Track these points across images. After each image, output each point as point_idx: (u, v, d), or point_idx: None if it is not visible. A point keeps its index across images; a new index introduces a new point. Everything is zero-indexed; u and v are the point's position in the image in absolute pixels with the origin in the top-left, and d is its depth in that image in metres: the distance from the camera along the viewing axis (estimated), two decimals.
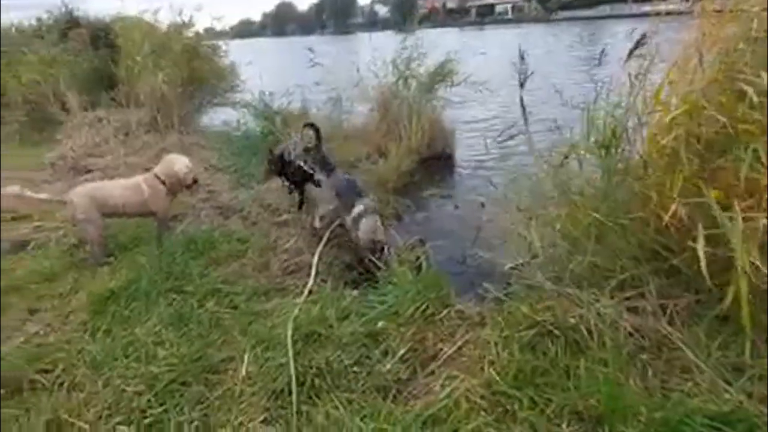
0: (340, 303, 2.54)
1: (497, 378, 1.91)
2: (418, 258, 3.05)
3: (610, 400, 1.73)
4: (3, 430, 1.85)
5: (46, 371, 2.13)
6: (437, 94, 5.71)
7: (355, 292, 2.70)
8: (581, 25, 23.65)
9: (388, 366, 2.08)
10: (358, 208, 3.17)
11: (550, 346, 2.05)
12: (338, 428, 1.73)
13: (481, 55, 5.98)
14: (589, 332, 2.04)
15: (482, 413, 1.80)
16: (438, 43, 5.89)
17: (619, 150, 2.51)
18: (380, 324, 2.31)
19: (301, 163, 3.78)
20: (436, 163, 5.31)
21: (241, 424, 1.83)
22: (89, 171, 5.20)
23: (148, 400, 1.92)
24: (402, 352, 2.14)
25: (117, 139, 6.08)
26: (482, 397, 1.86)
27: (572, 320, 2.14)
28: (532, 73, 3.34)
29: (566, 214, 2.61)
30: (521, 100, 3.03)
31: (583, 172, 2.67)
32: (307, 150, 4.01)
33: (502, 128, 3.51)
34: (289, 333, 2.24)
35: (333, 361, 2.11)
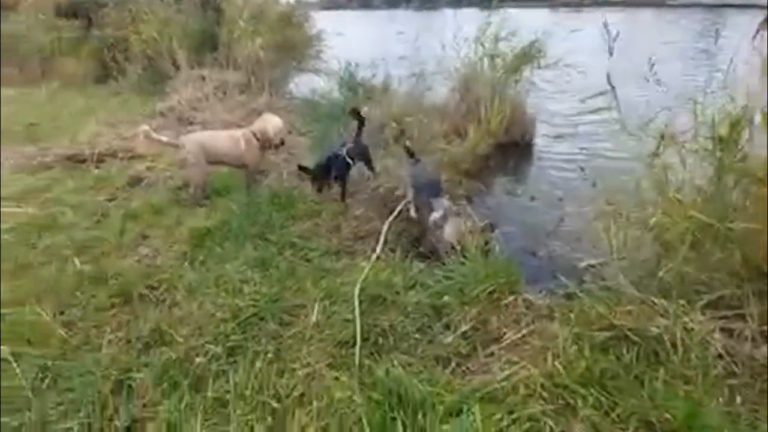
0: (407, 272, 2.59)
1: (562, 371, 1.84)
2: (486, 243, 2.97)
3: (688, 417, 1.60)
4: (119, 330, 2.18)
5: (153, 288, 2.45)
6: (522, 77, 5.38)
7: (422, 266, 2.73)
8: (702, 12, 20.47)
9: (450, 339, 2.10)
10: (440, 211, 3.04)
11: (624, 352, 1.93)
12: (397, 385, 1.78)
13: (574, 35, 5.35)
14: (673, 345, 1.88)
15: (541, 402, 1.76)
16: (525, 24, 5.48)
17: (738, 147, 2.20)
18: (446, 298, 2.32)
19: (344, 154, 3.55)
20: (514, 150, 5.06)
21: (308, 364, 1.97)
22: (191, 123, 5.71)
23: (232, 328, 2.14)
24: (464, 328, 2.14)
25: (215, 97, 6.58)
26: (543, 387, 1.81)
27: (655, 329, 1.98)
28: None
29: (661, 213, 2.37)
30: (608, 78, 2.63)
31: (687, 169, 2.39)
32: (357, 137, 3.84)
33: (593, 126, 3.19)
34: (357, 292, 2.34)
35: (396, 325, 2.18)
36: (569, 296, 2.38)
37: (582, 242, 2.92)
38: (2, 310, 2.19)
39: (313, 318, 2.23)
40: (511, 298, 2.32)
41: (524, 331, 2.13)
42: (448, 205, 3.11)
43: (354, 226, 3.27)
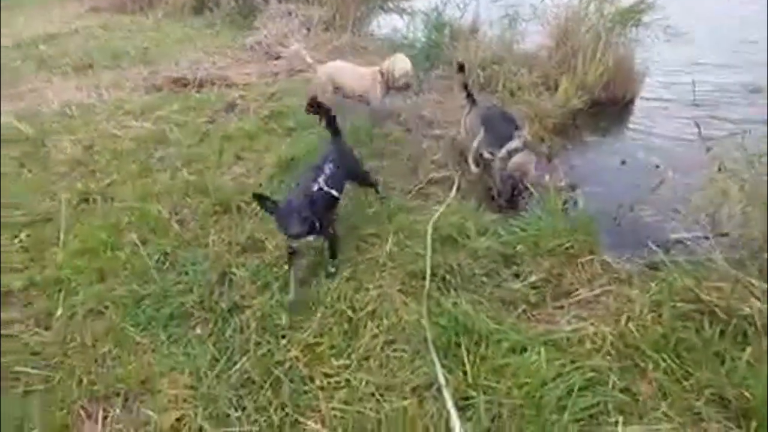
0: (479, 220, 2.59)
1: (635, 333, 1.80)
2: (565, 202, 2.84)
3: None
4: (221, 233, 2.49)
5: (247, 203, 2.72)
6: (635, 27, 4.72)
7: (495, 216, 2.71)
8: None
9: (518, 286, 2.12)
10: (515, 142, 2.95)
11: (707, 327, 1.82)
12: (463, 316, 1.87)
13: None
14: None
15: (607, 357, 1.75)
16: None
17: None
18: (518, 247, 2.31)
19: None
20: (611, 108, 4.57)
21: (381, 286, 2.12)
22: (278, 57, 5.86)
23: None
24: (535, 278, 2.14)
25: (300, 33, 6.63)
26: (612, 345, 1.79)
27: (747, 310, 1.84)
28: None
29: None
30: None
31: None
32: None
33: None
34: (430, 230, 2.41)
35: (464, 266, 2.24)
36: (653, 265, 2.26)
37: (678, 213, 2.68)
38: (132, 203, 2.61)
39: (387, 248, 2.36)
40: (587, 258, 2.26)
41: (598, 291, 2.08)
42: (527, 139, 2.97)
43: (430, 170, 3.28)
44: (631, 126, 4.39)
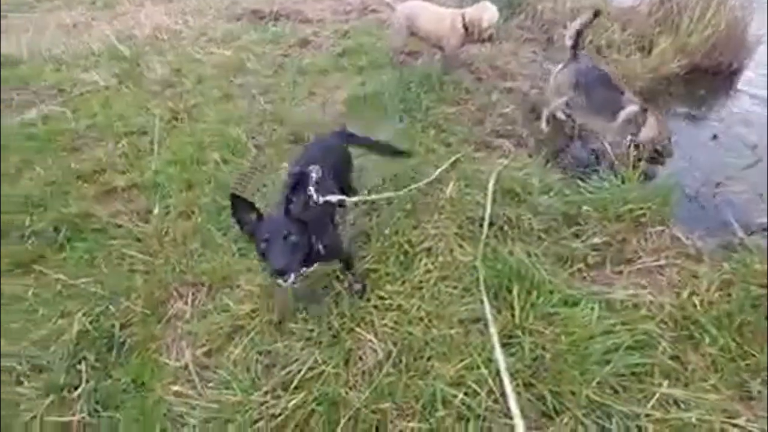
0: (544, 177, 2.50)
1: (698, 306, 1.73)
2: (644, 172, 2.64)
3: None
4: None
5: None
6: None
7: (562, 176, 2.60)
8: None
9: (577, 245, 2.07)
10: (633, 107, 2.69)
11: None
12: (517, 265, 1.89)
13: None
14: None
15: (662, 325, 1.71)
16: None
17: None
18: (584, 208, 2.23)
19: None
20: (712, 77, 4.04)
21: (438, 227, 2.16)
22: None
23: (377, 185, 2.41)
24: (597, 240, 2.08)
25: None
26: (669, 315, 1.74)
27: None
28: None
29: None
30: None
31: None
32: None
33: None
34: (492, 180, 2.37)
35: (524, 220, 2.21)
36: (729, 246, 2.10)
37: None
38: (215, 125, 2.80)
39: (448, 192, 2.37)
40: (657, 228, 2.13)
41: (663, 262, 1.99)
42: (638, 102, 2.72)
43: (498, 123, 3.16)
44: (731, 99, 3.87)
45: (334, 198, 1.71)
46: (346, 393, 1.51)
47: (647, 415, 1.45)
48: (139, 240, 2.10)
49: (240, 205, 1.40)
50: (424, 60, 3.83)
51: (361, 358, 1.62)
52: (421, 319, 1.75)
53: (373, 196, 2.18)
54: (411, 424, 1.43)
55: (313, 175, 1.68)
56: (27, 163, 2.60)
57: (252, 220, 1.40)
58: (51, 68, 3.71)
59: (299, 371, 1.57)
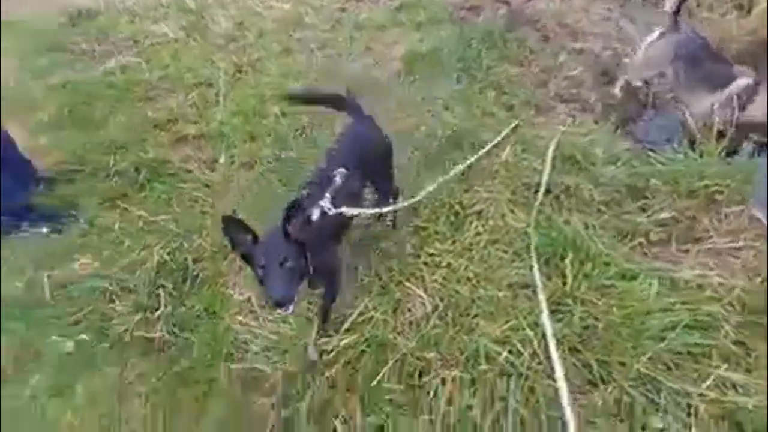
0: (610, 147, 2.33)
1: None
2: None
3: None
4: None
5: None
6: None
7: (630, 146, 2.40)
8: None
9: (641, 219, 1.94)
10: (744, 80, 2.37)
11: None
12: (573, 234, 1.82)
13: None
14: None
15: (727, 307, 1.60)
16: None
17: None
18: (652, 181, 2.06)
19: None
20: None
21: (491, 191, 2.11)
22: None
23: (429, 144, 2.37)
24: (664, 216, 1.93)
25: None
26: (738, 299, 1.62)
27: None
28: None
29: None
30: None
31: None
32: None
33: None
34: (552, 146, 2.25)
35: (583, 190, 2.09)
36: None
37: None
38: (275, 79, 2.85)
39: (503, 156, 2.28)
40: (735, 208, 1.94)
41: (739, 244, 1.82)
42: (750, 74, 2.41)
43: (563, 86, 2.93)
44: None
45: (349, 211, 1.50)
46: (394, 338, 1.58)
47: (700, 395, 1.40)
48: (207, 186, 2.25)
49: (233, 226, 1.27)
50: (486, 16, 3.57)
51: (409, 309, 1.68)
52: (469, 279, 1.76)
53: (407, 201, 1.83)
54: (454, 373, 1.48)
55: (337, 179, 1.51)
56: (110, 110, 2.82)
57: (247, 242, 1.28)
58: (126, 20, 3.88)
59: (350, 315, 1.66)
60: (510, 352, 1.50)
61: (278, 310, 1.29)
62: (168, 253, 1.89)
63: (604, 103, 2.86)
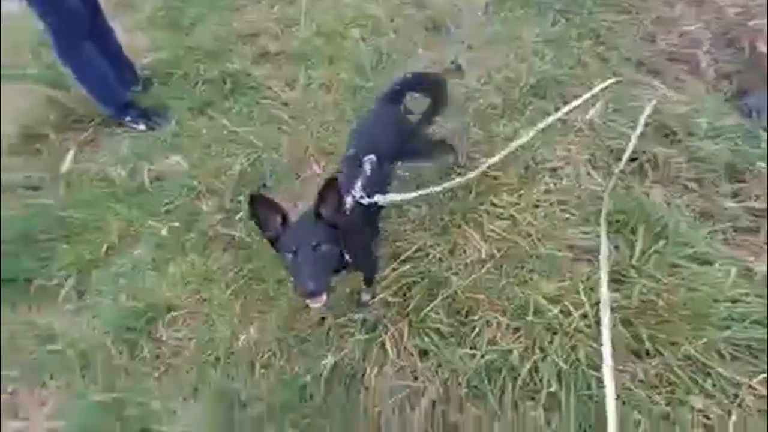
0: (717, 119, 2.04)
1: None
2: None
3: None
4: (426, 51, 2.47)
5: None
6: None
7: (742, 121, 2.09)
8: None
9: (731, 204, 1.76)
10: None
11: None
12: (650, 208, 1.69)
13: None
14: None
15: None
16: None
17: None
18: (757, 164, 1.82)
19: None
20: None
21: (570, 149, 1.97)
22: None
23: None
24: (758, 206, 1.73)
25: None
26: None
27: None
28: None
29: None
30: None
31: None
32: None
33: None
34: (648, 110, 2.02)
35: (671, 163, 1.89)
36: None
37: None
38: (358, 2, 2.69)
39: (589, 114, 2.09)
40: None
41: None
42: None
43: (674, 43, 2.53)
44: None
45: (384, 199, 1.38)
46: (447, 276, 1.63)
47: (750, 387, 1.35)
48: (285, 104, 2.28)
49: (262, 205, 1.12)
50: None
51: (465, 251, 1.70)
52: (530, 234, 1.72)
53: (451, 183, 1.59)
54: (500, 318, 1.52)
55: (367, 167, 1.37)
56: (199, 17, 2.84)
57: (277, 224, 1.14)
58: None
59: (409, 248, 1.71)
60: (561, 311, 1.50)
61: (309, 302, 1.12)
62: (249, 164, 2.01)
63: (719, 69, 2.46)
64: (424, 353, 1.51)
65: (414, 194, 1.49)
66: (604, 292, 1.42)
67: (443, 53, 2.44)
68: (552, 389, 1.36)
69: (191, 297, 1.70)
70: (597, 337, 1.41)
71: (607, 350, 1.29)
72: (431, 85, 1.74)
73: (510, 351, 1.45)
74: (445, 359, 1.47)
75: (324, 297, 1.11)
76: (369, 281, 1.56)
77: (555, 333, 1.48)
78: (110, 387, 1.52)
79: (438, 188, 1.54)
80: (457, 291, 1.59)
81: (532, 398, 1.38)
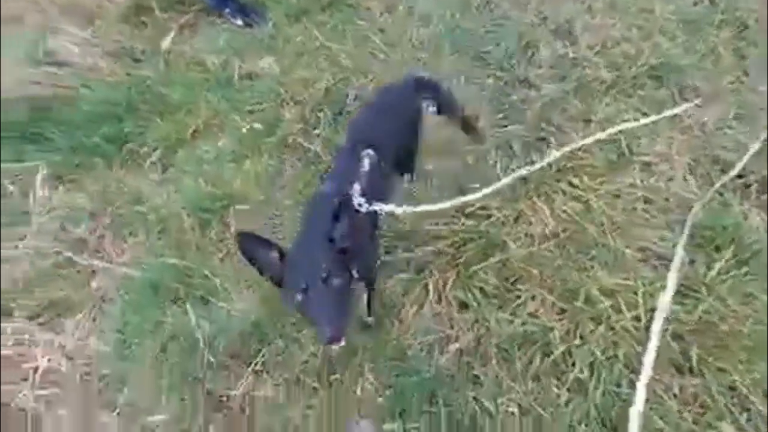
0: None
1: None
2: None
3: None
4: None
5: None
6: None
7: None
8: None
9: None
10: None
11: None
12: (746, 232, 1.51)
13: None
14: None
15: None
16: None
17: None
18: None
19: None
20: None
21: (670, 146, 1.75)
22: None
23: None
24: None
25: None
26: None
27: None
28: None
29: None
30: None
31: None
32: None
33: None
34: None
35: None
36: None
37: None
38: None
39: (705, 114, 1.81)
40: None
41: None
42: None
43: None
44: None
45: (397, 209, 1.19)
46: (505, 241, 1.57)
47: None
48: (381, 30, 2.13)
49: (252, 244, 0.98)
50: None
51: (531, 223, 1.61)
52: (602, 224, 1.60)
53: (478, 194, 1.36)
54: (547, 296, 1.47)
55: (366, 164, 1.19)
56: None
57: (273, 261, 0.99)
58: None
59: (473, 205, 1.64)
60: (612, 306, 1.43)
61: (331, 345, 0.98)
62: (335, 83, 1.94)
63: None
64: (464, 306, 1.50)
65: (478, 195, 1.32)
66: (667, 299, 1.32)
67: (557, 9, 2.14)
68: (582, 376, 1.34)
69: (261, 195, 1.75)
70: (642, 341, 1.34)
71: (650, 356, 1.22)
72: (443, 98, 1.58)
73: (551, 328, 1.42)
74: (483, 317, 1.46)
75: (343, 340, 0.95)
76: (371, 287, 1.35)
77: (600, 324, 1.42)
78: (181, 255, 1.64)
79: (507, 179, 1.35)
80: (511, 258, 1.54)
81: (558, 378, 1.37)
